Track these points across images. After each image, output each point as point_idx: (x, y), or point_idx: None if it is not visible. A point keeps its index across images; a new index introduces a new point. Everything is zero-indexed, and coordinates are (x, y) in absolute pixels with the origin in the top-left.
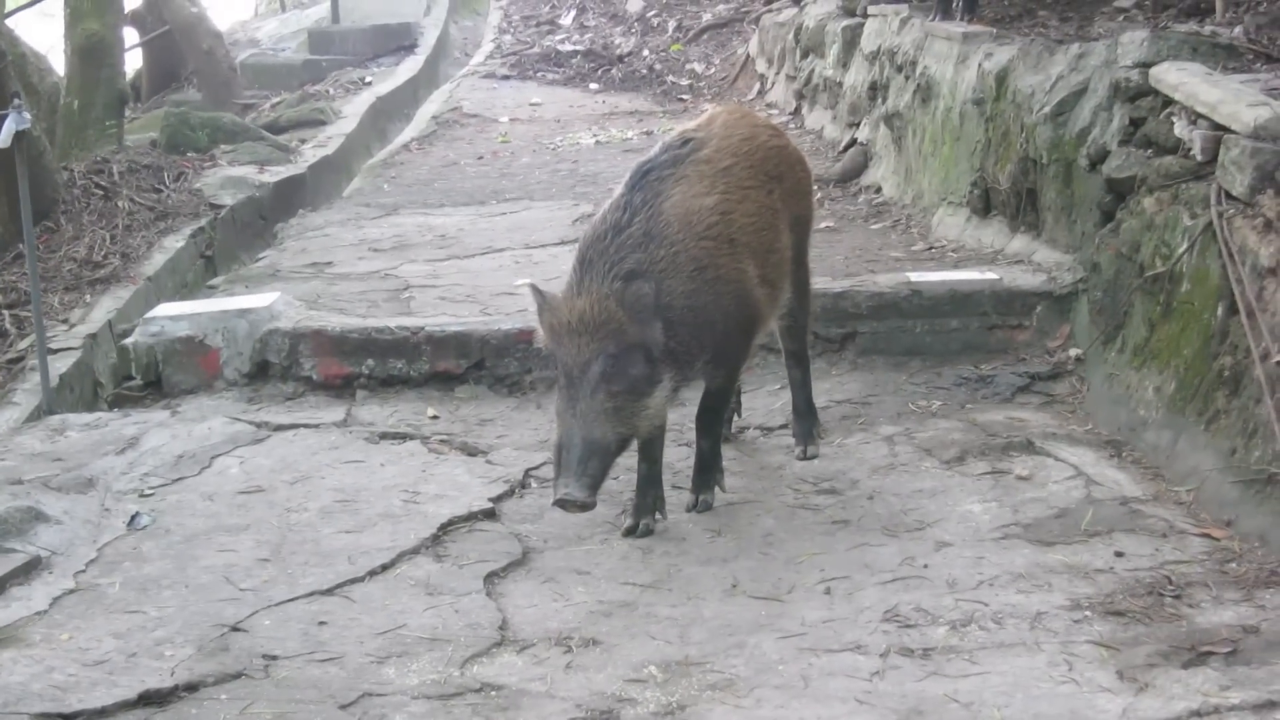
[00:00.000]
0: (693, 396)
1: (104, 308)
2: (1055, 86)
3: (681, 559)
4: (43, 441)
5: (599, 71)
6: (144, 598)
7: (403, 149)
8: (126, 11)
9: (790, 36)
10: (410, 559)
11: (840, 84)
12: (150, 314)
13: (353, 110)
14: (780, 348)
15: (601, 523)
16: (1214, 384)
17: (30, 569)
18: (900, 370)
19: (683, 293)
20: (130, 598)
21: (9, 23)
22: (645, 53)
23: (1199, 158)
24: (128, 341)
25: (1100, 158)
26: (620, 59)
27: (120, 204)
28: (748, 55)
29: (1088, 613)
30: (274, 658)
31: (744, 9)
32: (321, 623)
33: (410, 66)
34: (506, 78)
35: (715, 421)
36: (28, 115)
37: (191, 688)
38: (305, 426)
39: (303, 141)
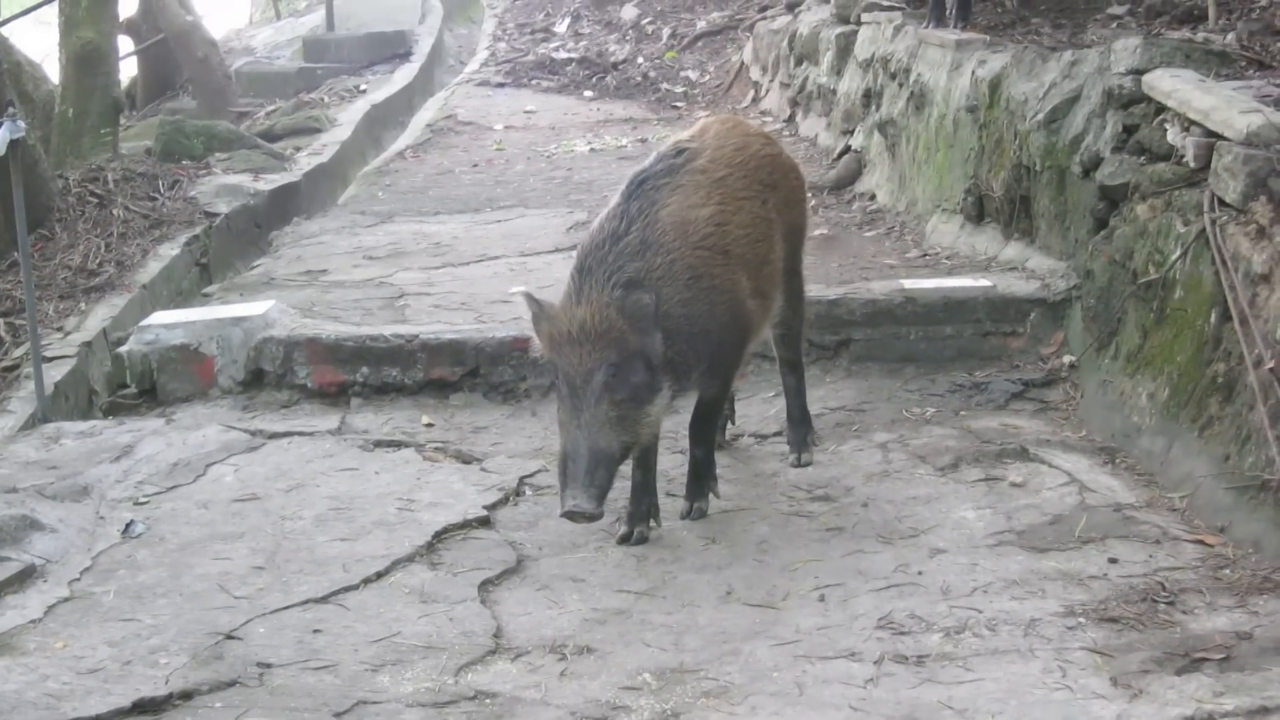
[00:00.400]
0: (686, 404)
1: (99, 316)
2: (1048, 94)
3: (676, 566)
4: (37, 449)
5: (593, 79)
6: (139, 606)
7: (398, 156)
8: (122, 20)
9: (784, 44)
10: (405, 567)
11: (834, 91)
12: (145, 322)
13: (348, 118)
14: (775, 355)
15: (596, 530)
16: (1207, 391)
17: (25, 577)
18: (894, 377)
19: (679, 301)
20: (125, 606)
21: (3, 31)
22: (640, 60)
23: (1192, 164)
24: (122, 349)
25: (1093, 165)
26: (615, 66)
27: (115, 212)
28: (742, 63)
29: (1081, 619)
30: (269, 666)
31: (738, 16)
32: (316, 631)
33: (405, 74)
34: (501, 85)
35: (709, 429)
36: (22, 123)
37: (186, 696)
38: (300, 434)
39: (298, 149)
